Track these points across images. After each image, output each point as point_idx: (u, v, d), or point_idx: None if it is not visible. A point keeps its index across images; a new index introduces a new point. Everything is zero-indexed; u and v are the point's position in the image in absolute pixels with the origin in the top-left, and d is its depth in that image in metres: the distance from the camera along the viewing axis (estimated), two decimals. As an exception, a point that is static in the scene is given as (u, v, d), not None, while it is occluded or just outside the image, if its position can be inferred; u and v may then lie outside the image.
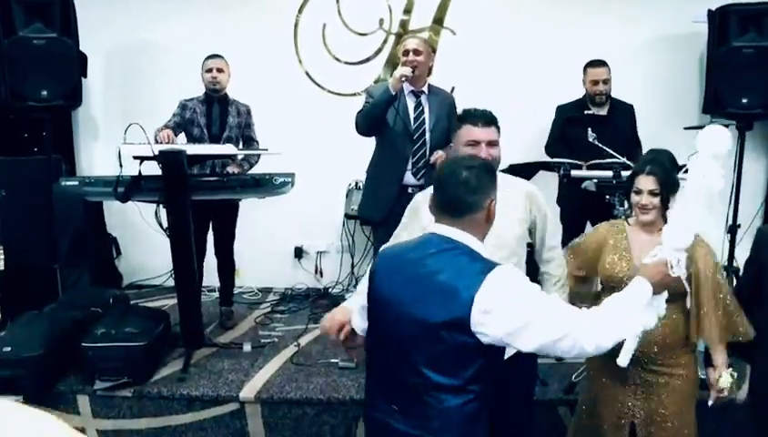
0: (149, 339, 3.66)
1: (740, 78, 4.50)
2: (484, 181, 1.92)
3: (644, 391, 2.55)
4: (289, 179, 3.66)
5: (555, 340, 1.77)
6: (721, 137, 2.07)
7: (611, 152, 3.81)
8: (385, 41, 5.29)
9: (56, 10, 4.54)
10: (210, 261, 4.47)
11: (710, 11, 4.65)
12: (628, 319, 1.89)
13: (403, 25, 5.29)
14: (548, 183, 4.44)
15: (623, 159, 3.81)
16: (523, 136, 4.95)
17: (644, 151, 4.50)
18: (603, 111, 4.49)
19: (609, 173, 3.79)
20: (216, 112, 4.32)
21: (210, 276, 4.53)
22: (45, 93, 4.52)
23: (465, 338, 1.77)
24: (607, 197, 3.89)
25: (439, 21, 5.27)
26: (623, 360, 2.18)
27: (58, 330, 3.68)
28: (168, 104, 4.37)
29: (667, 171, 2.53)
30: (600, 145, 3.82)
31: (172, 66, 5.14)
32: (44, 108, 4.58)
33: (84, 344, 3.53)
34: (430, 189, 2.10)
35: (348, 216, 5.12)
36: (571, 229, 4.47)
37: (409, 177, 3.85)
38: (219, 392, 3.52)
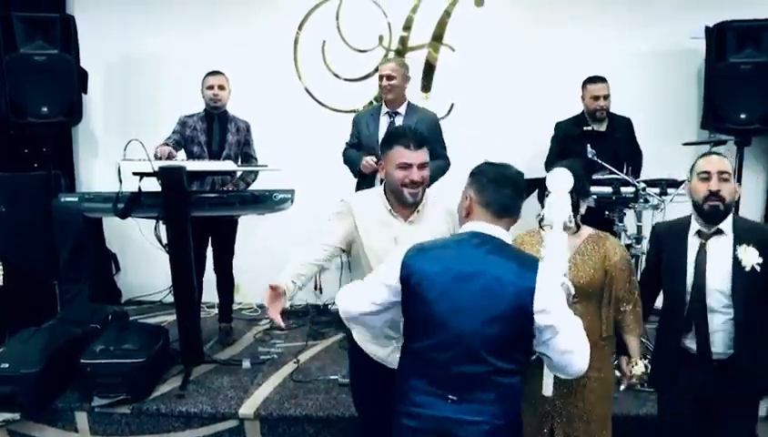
0: (148, 355, 3.64)
1: (738, 94, 4.52)
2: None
3: (564, 394, 2.57)
4: (289, 196, 3.66)
5: (578, 348, 1.98)
6: (566, 175, 2.36)
7: (611, 168, 3.82)
8: (384, 58, 5.31)
9: (57, 27, 4.58)
10: (209, 277, 4.46)
11: (707, 27, 4.68)
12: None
13: (402, 41, 5.31)
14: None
15: (622, 175, 3.82)
16: (522, 151, 4.95)
17: (644, 164, 4.55)
18: (602, 127, 4.49)
19: (608, 189, 3.80)
20: (216, 129, 4.33)
21: (209, 292, 4.51)
22: (45, 109, 4.55)
23: (524, 324, 1.95)
24: (606, 212, 3.90)
25: (438, 38, 5.30)
26: (548, 389, 2.30)
27: (57, 346, 3.67)
28: (168, 120, 4.38)
29: (578, 177, 2.58)
30: (599, 161, 3.83)
31: (172, 82, 5.16)
32: (44, 124, 4.61)
33: (82, 360, 3.51)
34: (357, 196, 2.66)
35: (347, 232, 5.11)
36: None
37: None
38: (218, 409, 3.50)
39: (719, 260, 2.55)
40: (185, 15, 5.26)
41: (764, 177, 5.19)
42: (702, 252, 2.57)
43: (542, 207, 2.65)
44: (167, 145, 4.06)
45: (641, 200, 3.77)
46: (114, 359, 3.53)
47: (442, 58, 5.30)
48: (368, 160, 4.06)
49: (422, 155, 2.49)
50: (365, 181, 4.15)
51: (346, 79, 5.34)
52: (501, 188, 2.07)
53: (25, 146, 4.99)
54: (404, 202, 2.51)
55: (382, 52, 5.30)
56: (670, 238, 2.70)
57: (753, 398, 2.69)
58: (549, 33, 5.13)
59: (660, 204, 3.73)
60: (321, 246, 2.55)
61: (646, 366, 2.58)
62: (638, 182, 3.80)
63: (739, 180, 4.65)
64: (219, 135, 4.33)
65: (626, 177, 3.82)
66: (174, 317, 3.99)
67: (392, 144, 2.50)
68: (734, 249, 2.52)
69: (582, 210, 2.64)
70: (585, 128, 4.42)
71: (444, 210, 2.59)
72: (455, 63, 5.26)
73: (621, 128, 4.57)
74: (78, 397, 3.55)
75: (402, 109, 4.23)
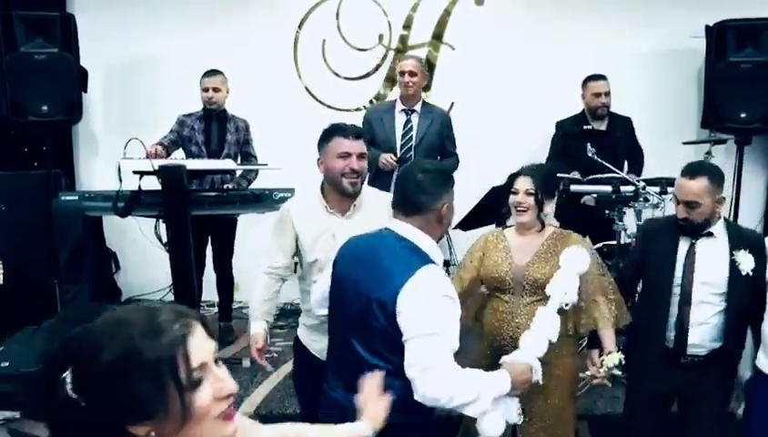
0: (148, 354, 3.64)
1: (738, 93, 4.53)
2: (437, 185, 2.06)
3: (528, 392, 2.53)
4: (289, 194, 3.64)
5: (424, 367, 1.88)
6: (582, 257, 2.37)
7: (610, 167, 3.82)
8: (384, 56, 5.32)
9: (57, 26, 4.58)
10: (209, 276, 4.46)
11: (707, 26, 4.68)
12: (479, 392, 1.92)
13: (402, 40, 5.31)
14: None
15: (622, 174, 3.82)
16: (522, 151, 4.96)
17: (645, 162, 4.55)
18: (603, 126, 4.50)
19: (608, 188, 3.80)
20: (214, 129, 4.33)
21: (209, 291, 4.51)
22: (45, 108, 4.54)
23: (390, 324, 1.92)
24: (606, 211, 3.90)
25: (438, 36, 5.30)
26: None
27: (57, 345, 3.66)
28: (168, 120, 4.39)
29: (544, 176, 2.66)
30: (599, 159, 3.83)
31: (172, 80, 5.16)
32: (44, 123, 4.60)
33: (82, 359, 3.51)
34: (296, 198, 2.68)
35: (347, 230, 5.11)
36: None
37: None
38: (218, 408, 3.50)
39: (708, 259, 2.65)
40: (185, 15, 5.25)
41: (764, 176, 5.19)
42: (691, 253, 2.67)
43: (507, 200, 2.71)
44: (162, 144, 4.07)
45: (641, 199, 3.77)
46: (114, 357, 3.53)
47: (442, 57, 5.30)
48: (388, 157, 4.14)
49: (361, 145, 2.54)
50: (380, 178, 4.15)
51: (346, 78, 5.34)
52: (402, 185, 2.10)
53: (26, 145, 4.98)
54: (343, 192, 2.53)
55: (382, 51, 5.30)
56: (659, 236, 2.78)
57: (729, 387, 2.80)
58: (549, 33, 5.13)
59: (659, 203, 3.73)
60: (272, 275, 2.72)
61: (621, 360, 2.57)
62: (638, 181, 3.80)
63: (739, 179, 4.66)
64: (218, 134, 4.33)
65: (626, 176, 3.82)
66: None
67: (331, 136, 2.54)
68: (731, 254, 2.62)
69: (547, 210, 2.67)
70: (585, 127, 4.43)
71: (383, 206, 2.58)
72: (455, 62, 5.26)
73: (622, 128, 4.57)
74: (78, 396, 3.55)
75: (418, 107, 4.28)
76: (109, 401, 1.02)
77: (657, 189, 3.76)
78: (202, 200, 3.72)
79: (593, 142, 3.99)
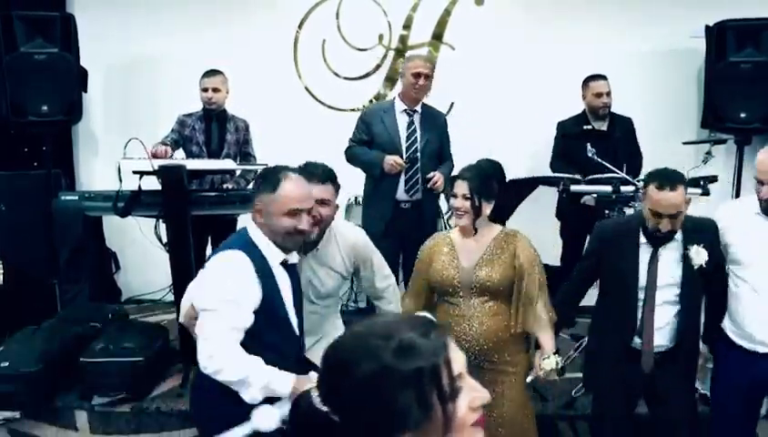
0: (148, 354, 3.64)
1: (738, 93, 4.52)
2: (255, 187, 2.34)
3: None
4: (288, 194, 3.65)
5: (201, 336, 2.07)
6: (270, 416, 1.87)
7: (611, 167, 3.82)
8: (384, 56, 5.32)
9: (57, 26, 4.58)
10: (209, 276, 4.45)
11: (707, 26, 4.68)
12: (247, 375, 2.02)
13: (402, 40, 5.31)
14: (548, 198, 4.45)
15: (622, 174, 3.81)
16: (522, 151, 4.97)
17: (645, 163, 4.55)
18: (604, 126, 4.49)
19: (608, 188, 3.80)
20: (214, 129, 4.33)
21: (209, 291, 4.50)
22: (45, 108, 4.55)
23: None
24: (606, 211, 3.89)
25: (438, 36, 5.30)
26: None
27: (57, 345, 3.66)
28: (168, 120, 4.39)
29: (483, 178, 2.62)
30: (599, 160, 3.83)
31: (172, 80, 5.16)
32: (44, 123, 4.61)
33: (82, 359, 3.51)
34: None
35: (347, 231, 5.10)
36: (571, 244, 4.47)
37: (401, 194, 4.03)
38: (218, 408, 3.50)
39: (670, 260, 2.66)
40: (185, 15, 5.25)
41: (764, 176, 5.18)
42: (654, 258, 2.66)
43: (448, 203, 2.74)
44: (166, 144, 4.06)
45: (641, 199, 3.76)
46: (113, 358, 3.53)
47: (442, 57, 5.29)
48: (396, 160, 3.93)
49: (325, 191, 2.62)
50: (386, 180, 4.02)
51: (346, 78, 5.34)
52: None
53: (25, 145, 4.98)
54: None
55: (382, 51, 5.30)
56: (618, 241, 2.75)
57: (691, 374, 2.86)
58: (549, 33, 5.12)
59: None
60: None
61: (557, 361, 2.61)
62: (638, 181, 3.80)
63: (739, 179, 4.66)
64: (218, 134, 4.33)
65: (626, 176, 3.82)
66: (174, 316, 3.98)
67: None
68: (684, 248, 2.62)
69: (487, 212, 2.64)
70: (585, 127, 4.42)
71: (347, 248, 2.68)
72: (455, 62, 5.26)
73: (622, 128, 4.56)
74: (78, 396, 3.55)
75: (419, 107, 4.13)
76: (367, 414, 1.03)
77: (657, 189, 3.74)
78: (202, 200, 3.72)
79: (594, 142, 3.98)
